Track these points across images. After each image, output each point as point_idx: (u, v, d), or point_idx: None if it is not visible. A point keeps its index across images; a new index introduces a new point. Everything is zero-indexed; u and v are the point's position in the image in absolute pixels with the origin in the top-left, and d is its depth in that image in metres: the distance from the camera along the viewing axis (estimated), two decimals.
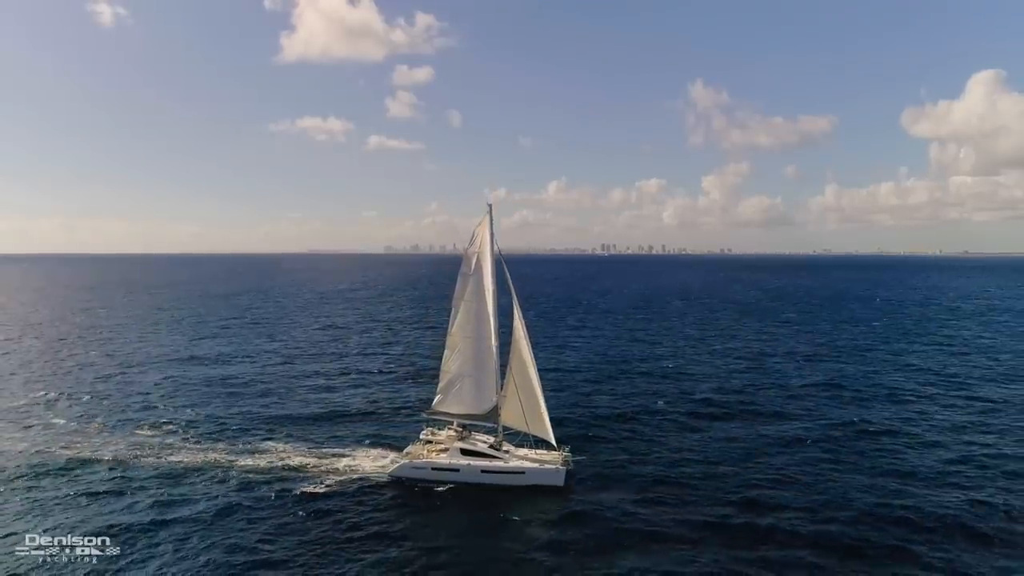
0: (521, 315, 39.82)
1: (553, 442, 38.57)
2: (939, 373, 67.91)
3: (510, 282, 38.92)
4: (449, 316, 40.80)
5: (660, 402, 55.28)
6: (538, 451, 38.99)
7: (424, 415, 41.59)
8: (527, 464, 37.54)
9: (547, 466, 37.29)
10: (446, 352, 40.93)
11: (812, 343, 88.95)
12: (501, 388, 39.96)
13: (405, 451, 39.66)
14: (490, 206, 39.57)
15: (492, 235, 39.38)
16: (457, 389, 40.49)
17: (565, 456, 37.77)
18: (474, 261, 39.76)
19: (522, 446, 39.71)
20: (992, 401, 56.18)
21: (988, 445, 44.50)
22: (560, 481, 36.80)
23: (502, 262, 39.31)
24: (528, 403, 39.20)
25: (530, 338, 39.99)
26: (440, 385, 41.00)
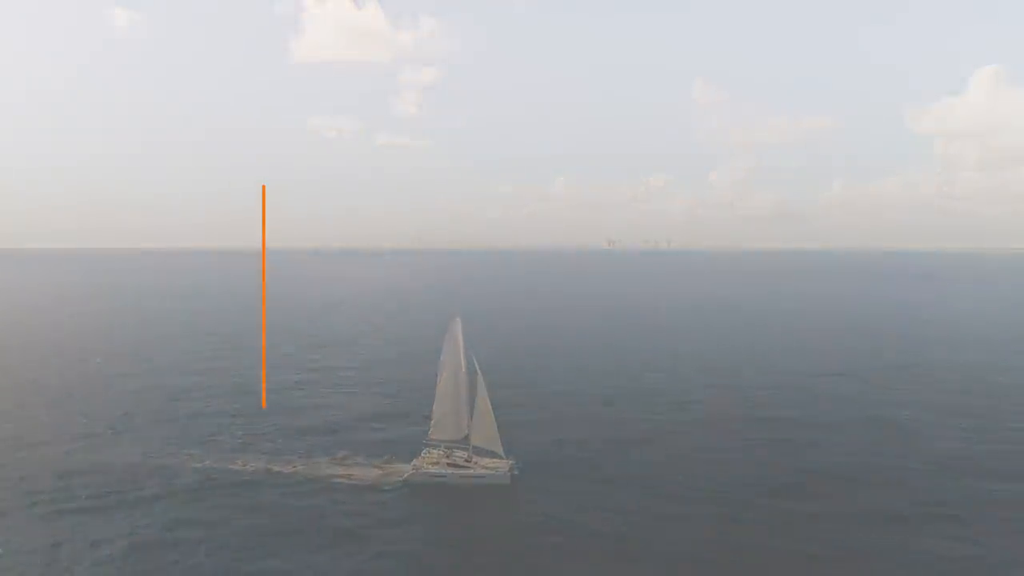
0: (482, 378, 64.13)
1: (503, 455, 63.37)
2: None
3: (474, 360, 63.46)
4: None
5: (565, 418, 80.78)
6: (494, 461, 63.69)
7: (423, 441, 65.90)
8: (487, 471, 62.31)
9: (500, 471, 62.16)
10: (436, 401, 65.21)
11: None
12: (469, 422, 64.44)
13: (411, 464, 63.77)
14: (459, 321, 63.68)
15: (460, 333, 63.71)
16: (443, 424, 64.91)
17: (511, 464, 62.75)
18: (451, 345, 63.93)
19: (484, 458, 64.36)
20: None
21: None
22: (508, 481, 61.60)
23: (470, 351, 63.70)
24: (487, 431, 63.82)
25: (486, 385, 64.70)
26: (432, 421, 65.40)
